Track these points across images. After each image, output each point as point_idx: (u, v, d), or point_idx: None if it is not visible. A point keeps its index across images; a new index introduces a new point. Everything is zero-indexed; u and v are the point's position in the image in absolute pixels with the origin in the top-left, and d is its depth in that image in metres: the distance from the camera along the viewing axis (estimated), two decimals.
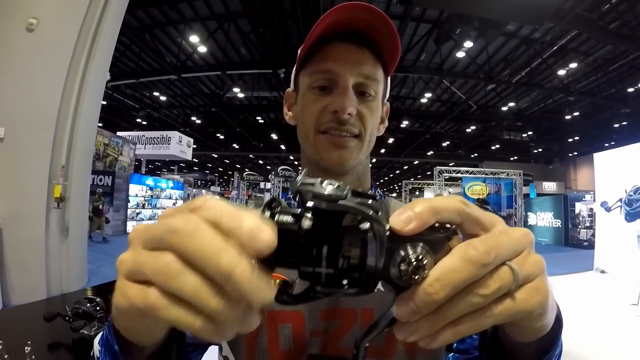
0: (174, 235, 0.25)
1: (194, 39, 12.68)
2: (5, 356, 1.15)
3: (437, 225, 0.29)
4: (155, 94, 18.80)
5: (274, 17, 10.33)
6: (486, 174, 13.61)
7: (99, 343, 0.47)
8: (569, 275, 8.74)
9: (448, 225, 0.30)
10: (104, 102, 16.27)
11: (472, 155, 26.79)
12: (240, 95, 17.93)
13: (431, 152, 26.34)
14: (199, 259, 0.24)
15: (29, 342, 1.18)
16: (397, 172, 39.27)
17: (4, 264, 4.50)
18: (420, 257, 0.27)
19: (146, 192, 16.10)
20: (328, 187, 0.28)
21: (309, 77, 0.69)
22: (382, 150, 26.98)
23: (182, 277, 0.25)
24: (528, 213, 17.56)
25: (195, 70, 14.71)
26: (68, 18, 5.01)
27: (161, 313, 0.26)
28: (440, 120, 20.32)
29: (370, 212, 0.27)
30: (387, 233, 0.27)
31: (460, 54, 12.79)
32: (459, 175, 13.83)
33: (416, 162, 29.99)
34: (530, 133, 22.92)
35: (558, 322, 0.38)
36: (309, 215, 0.28)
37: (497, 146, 24.73)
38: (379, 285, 0.29)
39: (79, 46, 5.09)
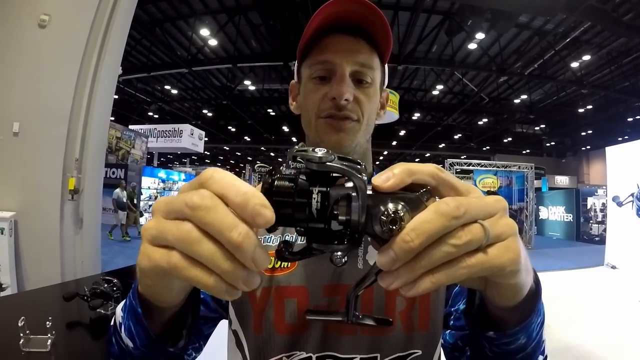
0: (192, 210, 0.30)
1: (204, 32, 12.70)
2: (27, 331, 1.22)
3: (415, 187, 0.33)
4: (167, 87, 18.93)
5: (284, 10, 10.32)
6: (498, 167, 13.46)
7: (121, 309, 0.51)
8: (579, 270, 8.71)
9: (425, 187, 0.34)
10: (116, 96, 16.36)
11: (484, 148, 26.55)
12: (252, 87, 18.00)
13: (443, 144, 26.19)
14: (214, 231, 0.30)
15: (50, 318, 1.26)
16: None
17: (20, 256, 4.63)
18: (398, 211, 0.31)
19: (158, 184, 16.26)
20: (318, 152, 0.33)
21: (309, 69, 0.73)
22: (394, 143, 26.88)
23: (200, 244, 0.30)
24: (539, 207, 17.37)
25: (206, 64, 14.77)
26: (79, 14, 5.08)
27: (182, 272, 0.31)
28: (452, 113, 20.17)
29: (353, 171, 0.32)
30: (370, 192, 0.32)
31: (472, 46, 12.66)
32: (470, 167, 13.70)
33: (428, 154, 29.83)
34: (542, 126, 22.65)
35: (537, 287, 0.43)
36: (302, 177, 0.33)
37: (509, 139, 24.45)
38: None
39: (90, 41, 5.17)
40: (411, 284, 0.31)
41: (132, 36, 11.88)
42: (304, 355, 0.65)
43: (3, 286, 4.23)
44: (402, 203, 0.31)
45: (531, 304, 0.42)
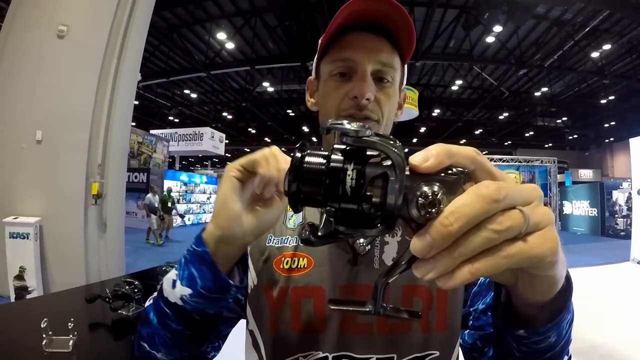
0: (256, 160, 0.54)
1: (221, 36, 12.87)
2: (50, 332, 1.27)
3: (452, 169, 0.31)
4: (186, 91, 19.24)
5: (300, 10, 10.34)
6: (520, 162, 13.19)
7: (175, 269, 0.57)
8: (604, 266, 8.48)
9: (462, 170, 0.32)
10: (136, 102, 16.81)
11: (506, 143, 26.09)
12: (270, 89, 18.13)
13: (464, 140, 25.79)
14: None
15: (72, 319, 1.31)
16: None
17: (45, 260, 4.77)
18: (436, 193, 0.29)
19: (180, 187, 16.53)
20: (354, 125, 0.31)
21: (329, 65, 0.72)
22: (414, 140, 26.66)
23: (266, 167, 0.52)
24: (563, 202, 16.96)
25: (224, 67, 14.93)
26: (97, 24, 5.21)
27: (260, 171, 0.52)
28: (472, 108, 19.89)
29: (391, 147, 0.30)
30: (407, 173, 0.30)
31: (490, 39, 12.44)
32: (492, 163, 13.49)
33: None
34: (564, 119, 22.09)
35: (568, 282, 0.41)
36: (337, 154, 0.31)
37: (531, 133, 23.92)
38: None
39: (109, 50, 5.30)
40: (449, 274, 0.29)
41: (150, 42, 12.10)
42: (320, 355, 0.65)
43: (29, 289, 4.38)
44: (439, 184, 0.30)
45: (563, 299, 0.41)
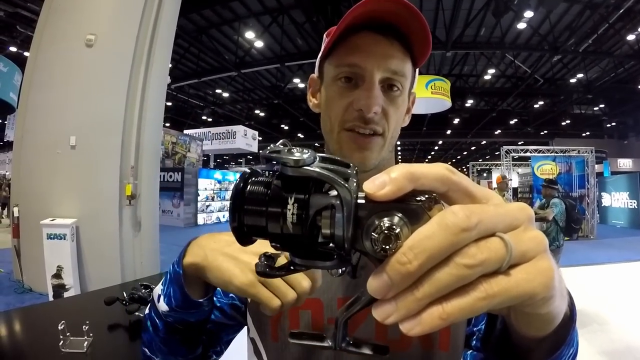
0: None
1: (249, 34, 13.02)
2: (68, 334, 1.35)
3: (418, 193, 0.27)
4: (218, 91, 19.61)
5: (327, 5, 10.33)
6: (556, 152, 12.66)
7: (161, 284, 0.60)
8: None
9: (430, 195, 0.27)
10: (169, 103, 17.28)
11: (542, 133, 25.12)
12: (301, 85, 18.21)
13: (499, 131, 25.04)
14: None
15: (87, 322, 1.39)
16: (465, 153, 37.80)
17: (82, 259, 5.01)
18: (393, 225, 0.25)
19: (214, 185, 16.88)
20: (295, 154, 0.28)
21: (335, 68, 0.67)
22: (448, 132, 26.13)
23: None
24: (602, 193, 16.26)
25: (254, 65, 15.08)
26: (123, 31, 5.39)
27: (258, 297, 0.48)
28: (506, 97, 19.28)
29: (337, 178, 0.27)
30: (359, 200, 0.26)
31: (522, 25, 12.04)
32: (527, 154, 12.99)
33: (484, 142, 28.70)
34: (602, 106, 21.14)
35: (571, 314, 0.36)
36: (277, 182, 0.29)
37: (568, 122, 22.98)
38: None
39: (137, 55, 5.46)
40: (414, 318, 0.24)
41: (180, 45, 12.40)
42: None
43: (67, 287, 4.59)
44: (399, 215, 0.25)
45: (564, 332, 0.36)
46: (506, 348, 0.41)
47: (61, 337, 1.34)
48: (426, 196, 0.26)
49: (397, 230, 0.24)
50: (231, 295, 0.72)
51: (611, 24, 11.63)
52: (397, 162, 0.76)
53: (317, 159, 0.28)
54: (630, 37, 12.58)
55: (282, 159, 0.27)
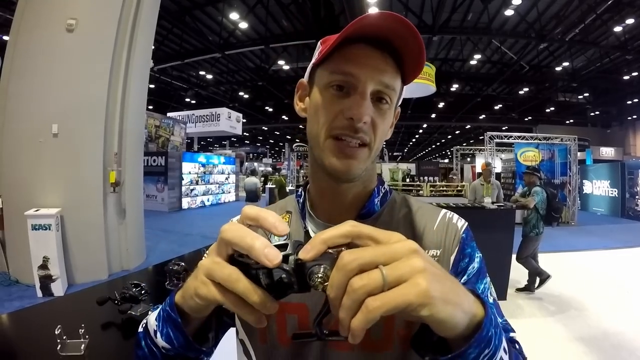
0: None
1: (234, 15, 12.78)
2: (64, 337, 1.34)
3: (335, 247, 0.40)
4: (202, 73, 19.28)
5: None
6: (539, 140, 12.82)
7: (155, 319, 0.59)
8: (623, 250, 8.26)
9: (340, 247, 0.40)
10: (152, 86, 16.91)
11: (526, 119, 25.46)
12: (286, 67, 18.00)
13: (483, 115, 25.26)
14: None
15: (83, 325, 1.38)
16: (449, 137, 38.07)
17: (68, 249, 4.96)
18: (320, 272, 0.39)
19: (199, 169, 16.72)
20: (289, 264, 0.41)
21: (328, 75, 0.67)
22: (433, 115, 26.26)
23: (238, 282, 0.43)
24: (584, 181, 16.54)
25: (238, 47, 14.88)
26: (105, 15, 5.25)
27: (223, 301, 0.44)
28: (491, 83, 19.43)
29: (285, 267, 0.41)
30: (299, 262, 0.40)
31: (509, 12, 12.04)
32: (510, 140, 13.14)
33: (468, 126, 28.91)
34: (586, 95, 21.44)
35: (483, 321, 0.42)
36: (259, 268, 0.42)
37: (552, 109, 23.27)
38: None
39: (119, 40, 5.34)
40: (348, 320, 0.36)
41: (163, 26, 12.11)
42: None
43: (53, 277, 4.56)
44: (324, 265, 0.39)
45: (469, 334, 0.41)
46: (431, 345, 0.48)
47: (58, 340, 1.34)
48: (339, 248, 0.40)
49: (321, 275, 0.39)
50: None
51: (599, 15, 11.70)
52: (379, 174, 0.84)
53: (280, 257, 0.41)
54: (617, 29, 12.70)
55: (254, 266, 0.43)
